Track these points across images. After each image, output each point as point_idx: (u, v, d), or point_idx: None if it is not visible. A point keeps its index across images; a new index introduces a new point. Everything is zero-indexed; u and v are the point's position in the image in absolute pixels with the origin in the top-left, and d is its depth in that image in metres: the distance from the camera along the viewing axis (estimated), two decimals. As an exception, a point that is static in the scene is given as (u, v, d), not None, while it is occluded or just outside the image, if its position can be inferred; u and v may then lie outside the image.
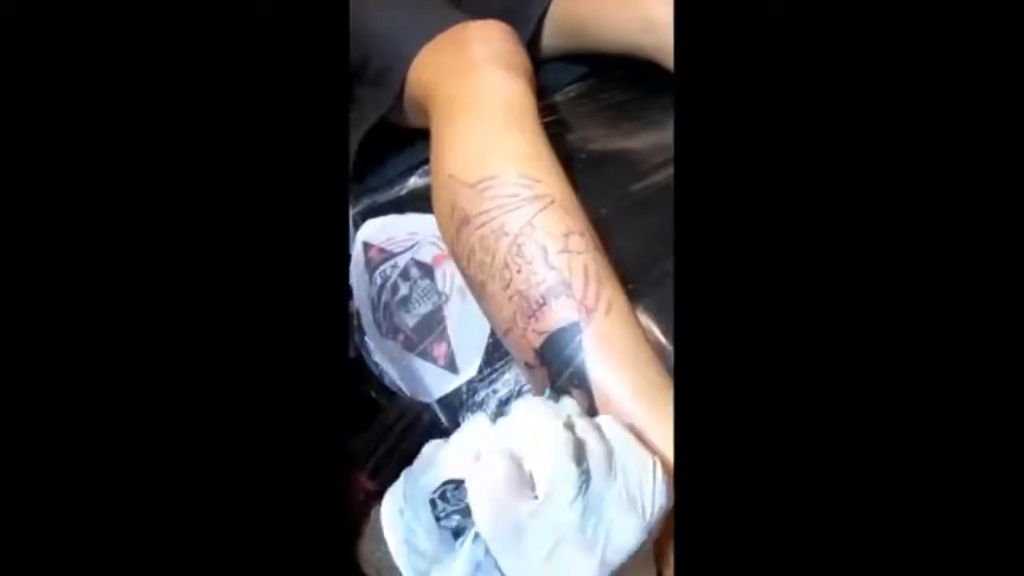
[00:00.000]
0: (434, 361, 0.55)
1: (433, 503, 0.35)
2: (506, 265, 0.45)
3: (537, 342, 0.44)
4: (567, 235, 0.45)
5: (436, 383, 0.54)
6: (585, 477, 0.35)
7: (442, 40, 0.58)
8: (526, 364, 0.47)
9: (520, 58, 0.56)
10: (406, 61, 0.58)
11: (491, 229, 0.46)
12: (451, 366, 0.54)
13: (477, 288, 0.49)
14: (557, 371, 0.44)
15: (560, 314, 0.43)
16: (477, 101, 0.52)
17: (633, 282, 0.51)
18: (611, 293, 0.44)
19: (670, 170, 0.60)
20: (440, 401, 0.54)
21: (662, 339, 0.49)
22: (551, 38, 0.71)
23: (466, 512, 0.34)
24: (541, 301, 0.44)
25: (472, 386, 0.53)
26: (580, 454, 0.35)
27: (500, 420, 0.38)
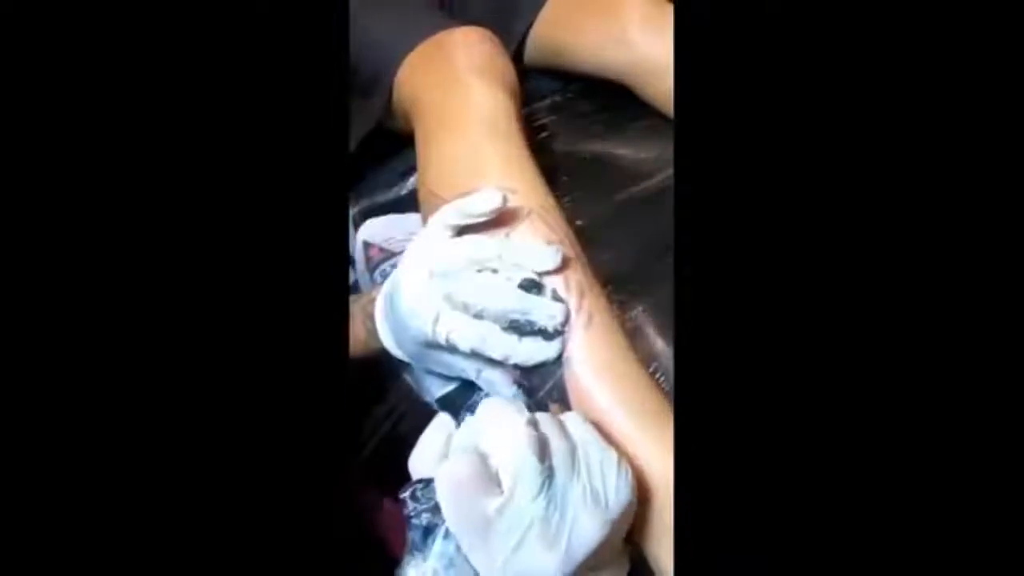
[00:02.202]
0: (433, 360, 0.55)
1: (404, 502, 0.37)
2: None
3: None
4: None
5: (436, 382, 0.54)
6: (548, 473, 0.36)
7: (425, 49, 0.57)
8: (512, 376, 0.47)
9: (502, 64, 0.56)
10: (391, 71, 0.58)
11: None
12: (450, 365, 0.54)
13: None
14: (538, 385, 0.44)
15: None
16: (457, 114, 0.52)
17: (632, 282, 0.51)
18: (592, 305, 0.44)
19: (670, 171, 0.60)
20: (440, 400, 0.54)
21: (660, 341, 0.50)
22: (531, 51, 0.71)
23: (436, 510, 0.36)
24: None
25: (471, 385, 0.53)
26: (543, 450, 0.36)
27: (466, 419, 0.39)
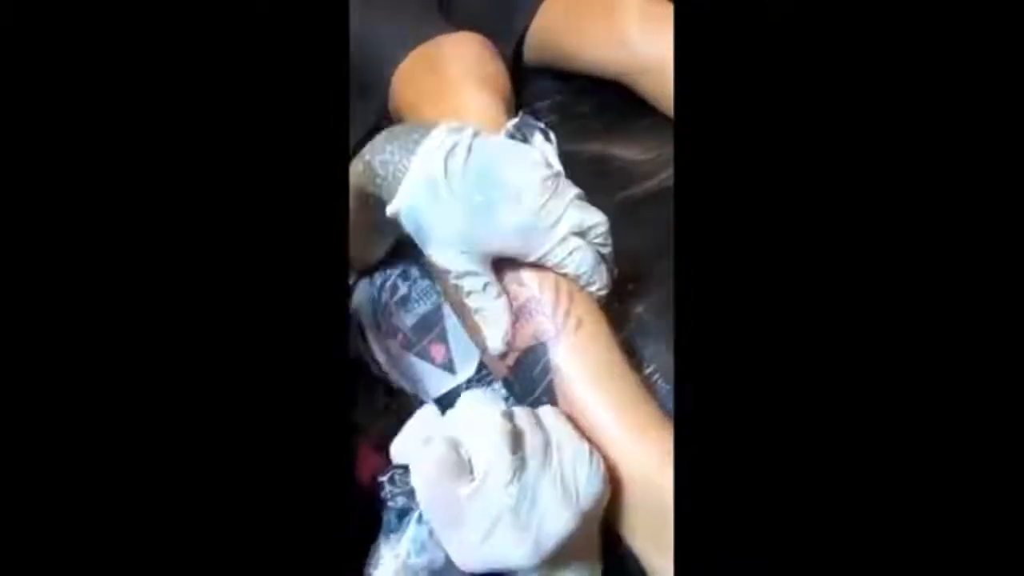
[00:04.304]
0: (432, 361, 0.55)
1: (381, 485, 0.38)
2: None
3: (510, 360, 0.45)
4: None
5: (434, 383, 0.54)
6: (520, 463, 0.37)
7: (420, 53, 0.57)
8: (504, 379, 0.47)
9: (496, 70, 0.56)
10: (385, 79, 0.58)
11: None
12: (449, 366, 0.55)
13: (455, 307, 0.49)
14: (529, 389, 0.44)
15: (530, 333, 0.44)
16: (448, 120, 0.51)
17: (632, 282, 0.51)
18: (581, 309, 0.44)
19: (670, 171, 0.60)
20: (438, 401, 0.54)
21: (660, 342, 0.50)
22: (530, 49, 0.71)
23: (411, 494, 0.38)
24: (513, 320, 0.44)
25: (470, 386, 0.53)
26: (516, 442, 0.37)
27: (448, 411, 0.41)
